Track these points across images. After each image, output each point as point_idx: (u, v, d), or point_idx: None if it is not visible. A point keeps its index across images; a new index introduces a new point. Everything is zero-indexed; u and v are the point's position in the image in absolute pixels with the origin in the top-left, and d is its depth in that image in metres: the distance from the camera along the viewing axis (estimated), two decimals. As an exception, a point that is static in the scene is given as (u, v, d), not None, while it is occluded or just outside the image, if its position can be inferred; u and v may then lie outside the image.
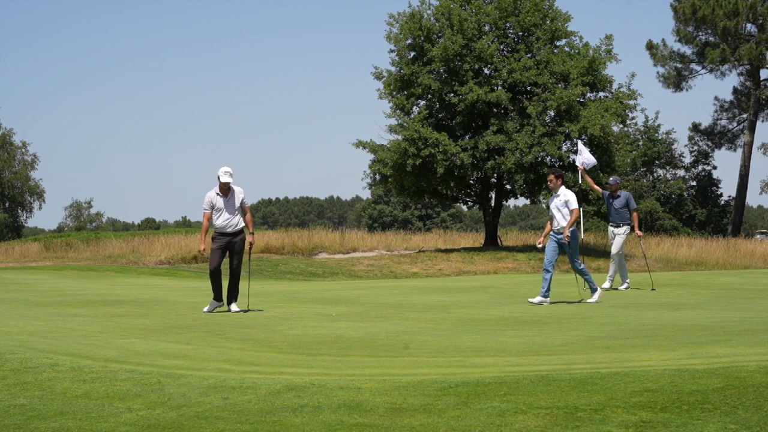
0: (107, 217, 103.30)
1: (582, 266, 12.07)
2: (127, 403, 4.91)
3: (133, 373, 5.83)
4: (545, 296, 11.70)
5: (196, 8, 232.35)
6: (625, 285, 14.66)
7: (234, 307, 11.12)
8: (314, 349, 7.18)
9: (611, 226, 14.77)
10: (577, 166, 15.72)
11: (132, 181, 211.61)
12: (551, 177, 11.89)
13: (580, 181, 17.36)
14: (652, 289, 14.40)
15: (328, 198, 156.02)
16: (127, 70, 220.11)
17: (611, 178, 14.92)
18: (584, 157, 15.40)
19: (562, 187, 11.89)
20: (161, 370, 5.92)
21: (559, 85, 30.00)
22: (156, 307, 11.87)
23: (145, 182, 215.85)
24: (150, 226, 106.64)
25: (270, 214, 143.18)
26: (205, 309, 11.10)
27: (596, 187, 15.51)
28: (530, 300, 11.86)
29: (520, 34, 31.42)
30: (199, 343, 7.63)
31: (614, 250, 14.55)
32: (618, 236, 14.59)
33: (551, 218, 11.93)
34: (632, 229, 14.64)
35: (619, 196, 14.64)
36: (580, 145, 15.86)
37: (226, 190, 11.03)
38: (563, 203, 11.73)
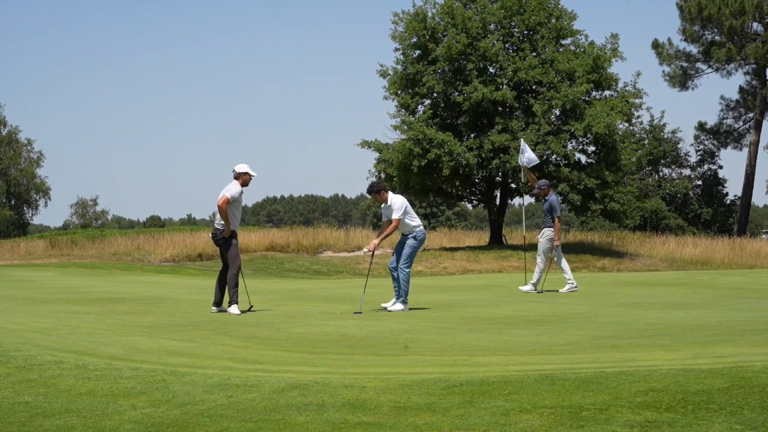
0: (112, 214, 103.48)
1: (406, 272, 11.32)
2: (132, 400, 4.91)
3: (137, 370, 5.84)
4: (404, 301, 11.26)
5: (202, 4, 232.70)
6: (530, 287, 14.17)
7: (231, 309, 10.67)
8: (318, 348, 7.17)
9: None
10: (520, 165, 15.54)
11: (137, 179, 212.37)
12: (374, 195, 11.40)
13: (523, 180, 17.07)
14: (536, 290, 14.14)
15: (333, 196, 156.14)
16: (133, 68, 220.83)
17: (539, 182, 14.46)
18: (527, 156, 15.29)
19: (390, 194, 11.38)
20: (165, 368, 5.92)
21: (565, 84, 29.97)
22: (160, 305, 11.87)
23: (150, 180, 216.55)
24: (155, 223, 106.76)
25: (275, 212, 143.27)
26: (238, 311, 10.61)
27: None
28: (385, 305, 11.32)
29: (525, 32, 31.37)
30: (203, 341, 7.63)
31: (557, 256, 14.15)
32: (540, 240, 14.23)
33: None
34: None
35: (546, 200, 14.22)
36: (523, 144, 15.63)
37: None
38: (391, 210, 11.33)
